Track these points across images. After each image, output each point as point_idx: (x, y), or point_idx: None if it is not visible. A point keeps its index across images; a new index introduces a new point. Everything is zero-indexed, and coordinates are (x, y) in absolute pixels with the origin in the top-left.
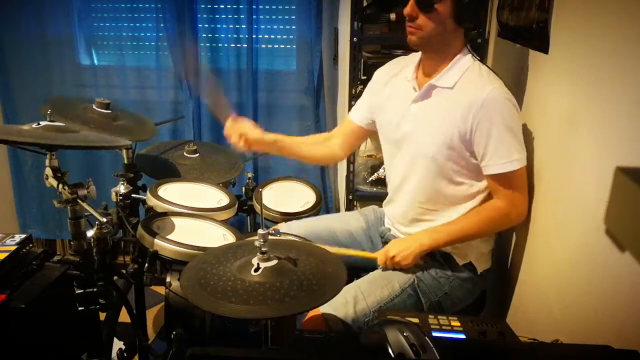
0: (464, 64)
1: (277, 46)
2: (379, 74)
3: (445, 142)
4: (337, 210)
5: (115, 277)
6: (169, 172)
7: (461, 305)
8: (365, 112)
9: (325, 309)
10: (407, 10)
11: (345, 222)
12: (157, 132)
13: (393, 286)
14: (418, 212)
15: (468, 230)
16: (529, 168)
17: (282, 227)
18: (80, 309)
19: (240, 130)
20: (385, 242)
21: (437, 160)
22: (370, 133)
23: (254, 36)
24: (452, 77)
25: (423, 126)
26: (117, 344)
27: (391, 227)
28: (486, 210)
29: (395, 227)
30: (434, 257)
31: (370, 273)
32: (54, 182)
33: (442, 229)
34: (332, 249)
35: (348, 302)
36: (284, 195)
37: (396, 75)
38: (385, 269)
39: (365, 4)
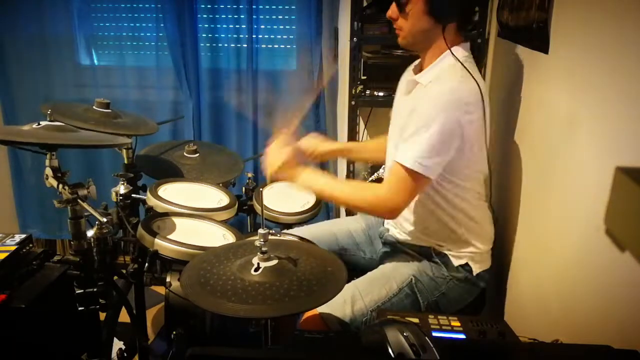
0: (445, 63)
1: (277, 46)
2: (403, 75)
3: None
4: (337, 211)
5: (115, 277)
6: (169, 172)
7: (459, 305)
8: None
9: (323, 308)
10: (388, 13)
11: (345, 223)
12: (157, 129)
13: (391, 286)
14: (410, 210)
15: (343, 195)
16: (530, 168)
17: None
18: (80, 309)
19: (311, 148)
20: (384, 243)
21: None
22: None
23: (254, 36)
24: (430, 75)
25: (402, 120)
26: (117, 344)
27: (389, 227)
28: (369, 189)
29: (393, 226)
30: (430, 258)
31: (368, 273)
32: (54, 182)
33: (325, 179)
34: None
35: (346, 301)
36: (284, 195)
37: (408, 72)
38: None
39: (365, 4)
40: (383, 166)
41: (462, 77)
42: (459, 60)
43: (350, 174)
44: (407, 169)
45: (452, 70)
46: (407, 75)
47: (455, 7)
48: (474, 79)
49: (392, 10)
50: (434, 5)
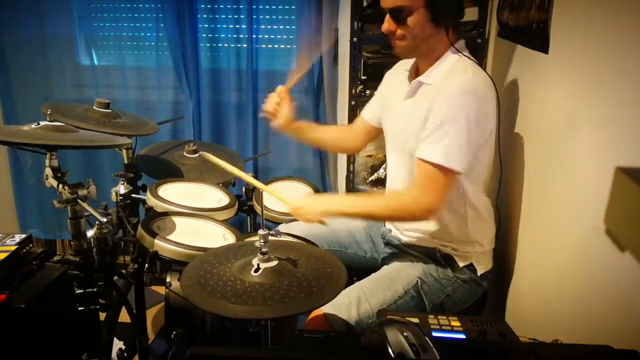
0: (450, 61)
1: (277, 46)
2: (387, 74)
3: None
4: None
5: (115, 277)
6: (169, 172)
7: (463, 306)
8: (375, 110)
9: (328, 310)
10: (384, 27)
11: (346, 222)
12: (157, 129)
13: (396, 288)
14: None
15: (370, 208)
16: (530, 168)
17: (282, 227)
18: (80, 309)
19: (278, 107)
20: (386, 243)
21: None
22: (381, 132)
23: (254, 36)
24: (437, 74)
25: (410, 122)
26: (117, 344)
27: (392, 228)
28: (400, 196)
29: (395, 227)
30: (435, 259)
31: (373, 274)
32: (54, 182)
33: (347, 200)
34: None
35: (351, 303)
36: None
37: (400, 74)
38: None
39: (365, 4)
40: (383, 166)
41: (475, 69)
42: (466, 55)
43: (350, 174)
44: (435, 165)
45: (462, 64)
46: (401, 80)
47: (454, 9)
48: (484, 71)
49: (389, 24)
50: (436, 12)
